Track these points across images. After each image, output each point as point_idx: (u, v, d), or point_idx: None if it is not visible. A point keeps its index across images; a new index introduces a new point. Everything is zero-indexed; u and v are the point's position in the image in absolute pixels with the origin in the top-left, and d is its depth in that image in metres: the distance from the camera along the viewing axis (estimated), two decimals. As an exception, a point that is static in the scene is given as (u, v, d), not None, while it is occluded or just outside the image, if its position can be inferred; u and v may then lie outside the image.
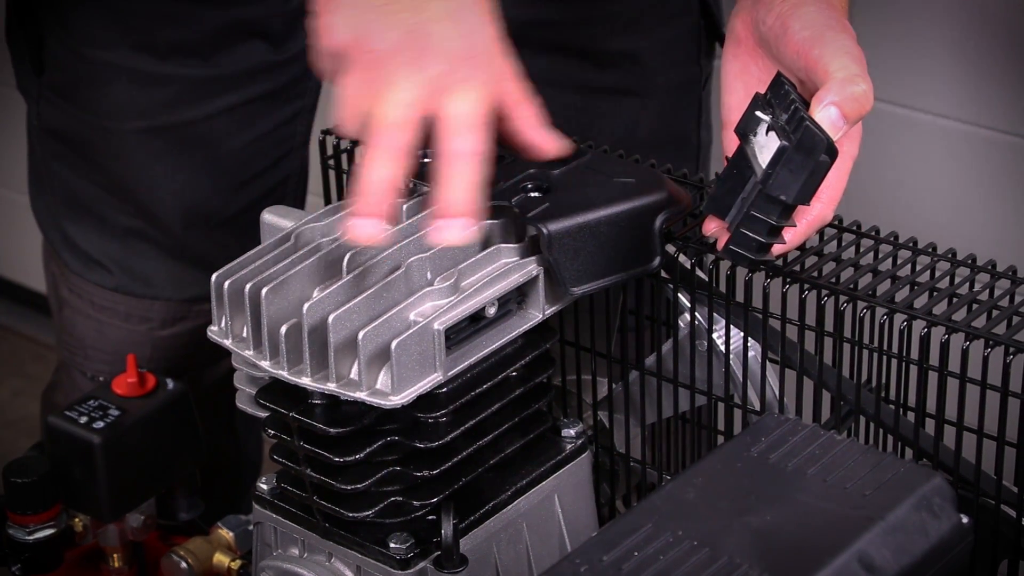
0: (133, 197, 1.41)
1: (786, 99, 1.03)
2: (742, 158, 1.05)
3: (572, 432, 1.13)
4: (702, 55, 1.42)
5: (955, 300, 1.04)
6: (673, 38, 1.41)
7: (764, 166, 1.02)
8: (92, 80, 1.38)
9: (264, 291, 1.03)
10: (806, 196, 1.02)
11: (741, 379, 1.11)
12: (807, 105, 1.03)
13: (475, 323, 1.05)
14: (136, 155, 1.39)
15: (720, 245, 1.06)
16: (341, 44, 1.02)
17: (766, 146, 1.02)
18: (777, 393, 1.11)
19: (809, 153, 1.00)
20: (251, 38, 1.37)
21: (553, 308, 1.08)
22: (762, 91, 1.06)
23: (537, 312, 1.07)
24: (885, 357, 1.05)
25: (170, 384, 1.24)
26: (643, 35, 1.39)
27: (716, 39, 1.42)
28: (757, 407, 1.12)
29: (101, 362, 1.47)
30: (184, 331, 1.46)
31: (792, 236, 1.05)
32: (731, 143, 1.09)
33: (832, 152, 1.01)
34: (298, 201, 1.47)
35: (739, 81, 1.11)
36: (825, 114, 1.02)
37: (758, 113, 1.03)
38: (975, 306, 1.03)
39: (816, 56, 1.05)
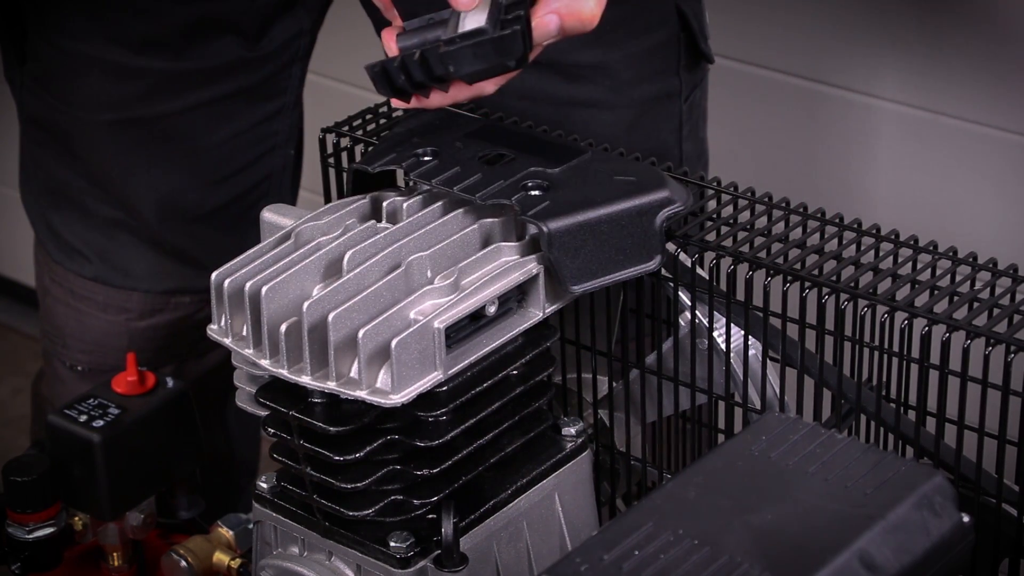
0: (110, 188, 1.42)
1: None
2: None
3: (572, 430, 1.13)
4: (681, 67, 1.41)
5: (956, 298, 1.04)
6: (647, 50, 1.39)
7: (459, 30, 0.99)
8: (68, 71, 1.38)
9: (264, 289, 1.03)
10: (472, 80, 1.00)
11: (742, 377, 1.11)
12: None
13: (475, 321, 1.05)
14: (111, 147, 1.40)
15: (385, 41, 1.03)
16: None
17: (477, 10, 1.00)
18: (778, 391, 1.11)
19: (501, 54, 0.98)
20: (223, 34, 1.37)
21: (553, 306, 1.08)
22: None
23: (537, 310, 1.07)
24: (886, 355, 1.05)
25: (170, 382, 1.23)
26: (615, 47, 1.38)
27: (697, 52, 1.41)
28: (758, 405, 1.12)
29: (80, 352, 1.48)
30: (162, 323, 1.46)
31: (435, 100, 1.03)
32: None
33: (523, 63, 0.99)
34: (284, 199, 1.47)
35: None
36: (544, 19, 1.00)
37: None
38: (976, 304, 1.03)
39: None
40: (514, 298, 1.07)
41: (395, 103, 1.06)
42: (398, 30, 1.04)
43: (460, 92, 1.04)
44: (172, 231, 1.43)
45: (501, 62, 0.99)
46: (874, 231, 1.10)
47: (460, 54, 0.99)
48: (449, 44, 0.99)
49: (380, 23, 1.40)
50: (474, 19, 1.00)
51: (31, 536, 1.21)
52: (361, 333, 1.00)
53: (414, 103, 1.05)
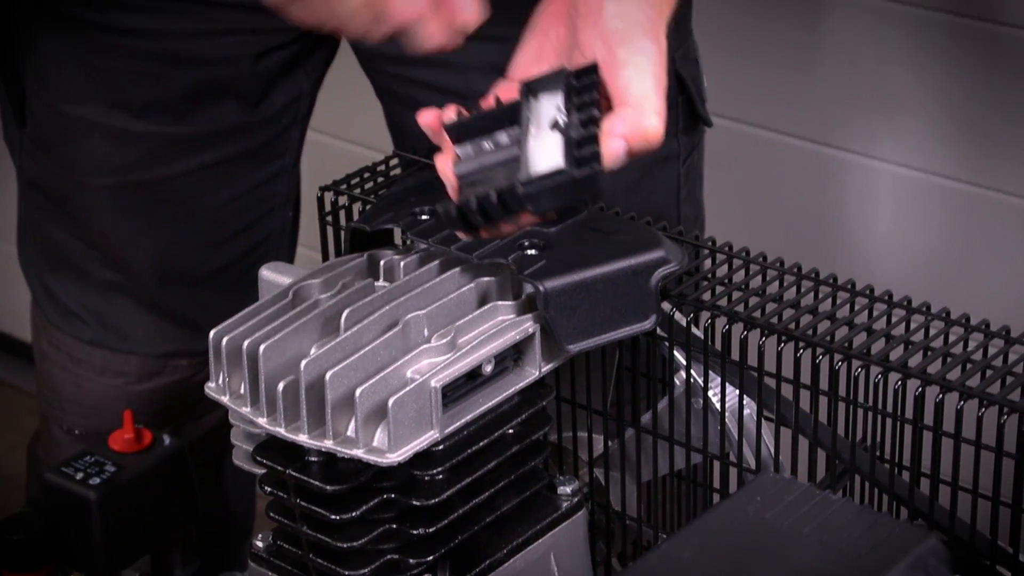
0: (109, 252, 1.42)
1: (589, 107, 0.99)
2: (513, 116, 1.01)
3: (568, 490, 1.13)
4: (679, 130, 1.41)
5: (949, 360, 1.04)
6: None
7: (533, 171, 0.98)
8: (68, 135, 1.38)
9: (262, 348, 1.04)
10: (547, 214, 1.00)
11: (736, 437, 1.11)
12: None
13: (472, 380, 1.05)
14: (110, 211, 1.40)
15: (441, 170, 1.03)
16: None
17: (542, 138, 0.99)
18: (772, 452, 1.11)
19: (581, 192, 0.97)
20: (224, 98, 1.37)
21: (549, 365, 1.08)
22: (554, 58, 1.01)
23: (533, 369, 1.08)
24: (880, 416, 1.06)
25: (167, 440, 1.23)
26: None
27: (695, 115, 1.41)
28: (752, 465, 1.12)
29: (78, 415, 1.47)
30: (160, 386, 1.46)
31: (505, 229, 1.03)
32: (503, 91, 1.05)
33: (596, 199, 0.98)
34: (282, 260, 1.47)
35: (535, 40, 1.06)
36: (611, 146, 0.98)
37: (559, 105, 1.00)
38: (969, 365, 1.03)
39: (620, 61, 1.00)
40: (510, 357, 1.07)
41: (461, 235, 1.06)
42: (452, 158, 1.03)
43: (527, 219, 1.03)
44: (170, 294, 1.43)
45: (578, 197, 0.98)
46: (867, 292, 1.10)
47: (541, 196, 0.98)
48: (528, 186, 0.98)
49: (379, 88, 1.41)
50: (542, 148, 0.99)
51: (26, 594, 1.21)
52: (358, 392, 1.00)
53: (484, 236, 1.05)
